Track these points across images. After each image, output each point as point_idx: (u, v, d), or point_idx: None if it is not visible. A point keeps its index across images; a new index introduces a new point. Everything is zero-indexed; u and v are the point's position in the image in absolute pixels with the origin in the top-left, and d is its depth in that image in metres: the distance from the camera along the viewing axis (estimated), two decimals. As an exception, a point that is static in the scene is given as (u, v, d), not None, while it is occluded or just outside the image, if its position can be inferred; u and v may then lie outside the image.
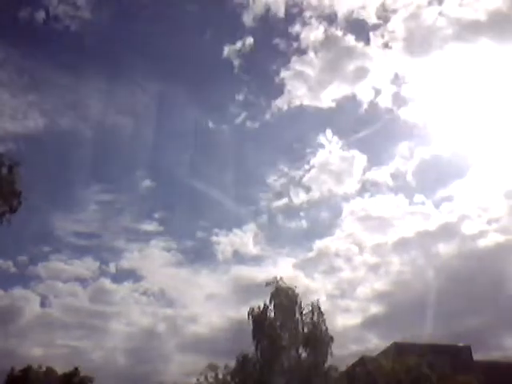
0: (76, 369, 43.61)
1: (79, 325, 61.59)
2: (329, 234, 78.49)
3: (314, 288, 54.53)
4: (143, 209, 79.17)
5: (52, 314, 62.21)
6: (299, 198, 75.06)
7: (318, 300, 33.13)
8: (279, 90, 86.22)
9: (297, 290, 32.81)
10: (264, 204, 78.57)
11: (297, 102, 75.28)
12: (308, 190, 75.89)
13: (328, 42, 74.11)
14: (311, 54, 75.49)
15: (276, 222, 76.54)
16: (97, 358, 54.08)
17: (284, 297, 32.12)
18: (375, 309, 58.19)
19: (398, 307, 53.05)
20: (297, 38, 79.87)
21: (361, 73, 76.23)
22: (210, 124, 78.54)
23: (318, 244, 71.59)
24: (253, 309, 32.37)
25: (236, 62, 75.26)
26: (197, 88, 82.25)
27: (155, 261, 71.33)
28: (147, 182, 75.65)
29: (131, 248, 72.89)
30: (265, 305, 32.28)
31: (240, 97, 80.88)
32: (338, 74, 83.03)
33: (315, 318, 32.05)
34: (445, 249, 64.54)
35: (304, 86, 79.45)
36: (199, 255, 79.83)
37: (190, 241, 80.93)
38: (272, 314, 32.21)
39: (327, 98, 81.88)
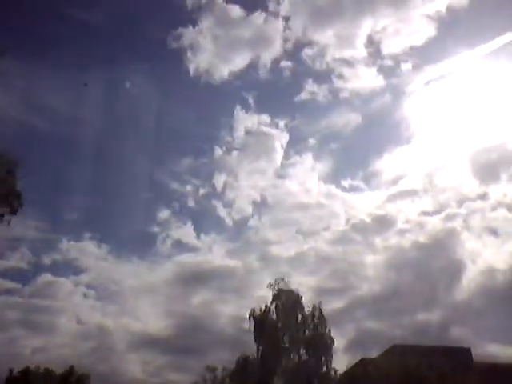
0: (71, 367, 43.60)
1: (21, 322, 57.41)
2: (259, 220, 72.45)
3: (255, 278, 54.57)
4: (64, 197, 72.50)
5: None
6: (223, 182, 72.21)
7: (319, 302, 33.20)
8: (177, 63, 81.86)
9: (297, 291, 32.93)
10: (191, 190, 75.22)
11: (198, 77, 73.63)
12: (230, 173, 73.93)
13: (214, 11, 72.62)
14: (203, 23, 74.12)
15: (205, 210, 74.83)
16: (51, 356, 49.67)
17: (286, 298, 32.15)
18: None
19: (348, 303, 51.05)
20: (183, 8, 76.88)
21: (258, 43, 74.26)
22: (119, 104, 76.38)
23: (251, 231, 70.19)
24: (254, 310, 32.38)
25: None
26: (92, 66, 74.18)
27: (91, 254, 67.80)
28: (64, 168, 71.71)
29: (60, 239, 67.53)
30: (266, 306, 32.31)
31: (138, 77, 77.16)
32: (234, 46, 78.50)
33: (316, 319, 32.10)
34: (382, 241, 63.52)
35: (202, 59, 77.74)
36: (135, 247, 77.79)
37: (125, 232, 76.06)
38: (273, 316, 32.20)
39: (227, 71, 76.22)
